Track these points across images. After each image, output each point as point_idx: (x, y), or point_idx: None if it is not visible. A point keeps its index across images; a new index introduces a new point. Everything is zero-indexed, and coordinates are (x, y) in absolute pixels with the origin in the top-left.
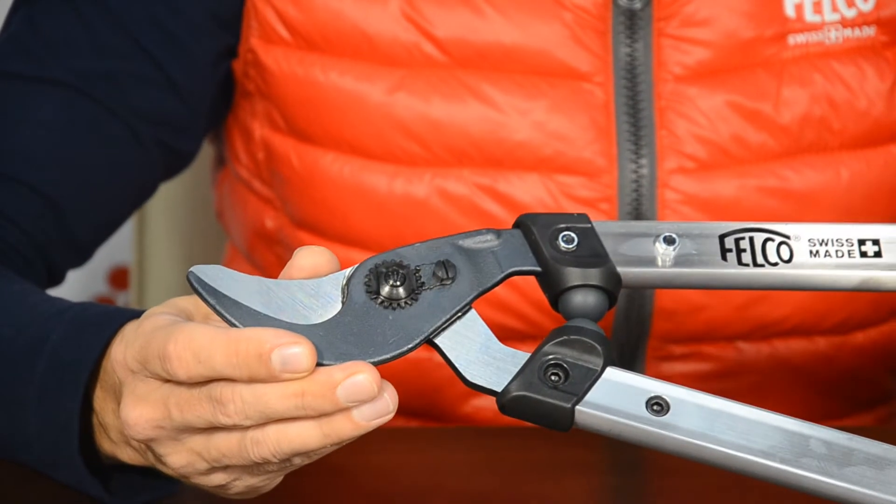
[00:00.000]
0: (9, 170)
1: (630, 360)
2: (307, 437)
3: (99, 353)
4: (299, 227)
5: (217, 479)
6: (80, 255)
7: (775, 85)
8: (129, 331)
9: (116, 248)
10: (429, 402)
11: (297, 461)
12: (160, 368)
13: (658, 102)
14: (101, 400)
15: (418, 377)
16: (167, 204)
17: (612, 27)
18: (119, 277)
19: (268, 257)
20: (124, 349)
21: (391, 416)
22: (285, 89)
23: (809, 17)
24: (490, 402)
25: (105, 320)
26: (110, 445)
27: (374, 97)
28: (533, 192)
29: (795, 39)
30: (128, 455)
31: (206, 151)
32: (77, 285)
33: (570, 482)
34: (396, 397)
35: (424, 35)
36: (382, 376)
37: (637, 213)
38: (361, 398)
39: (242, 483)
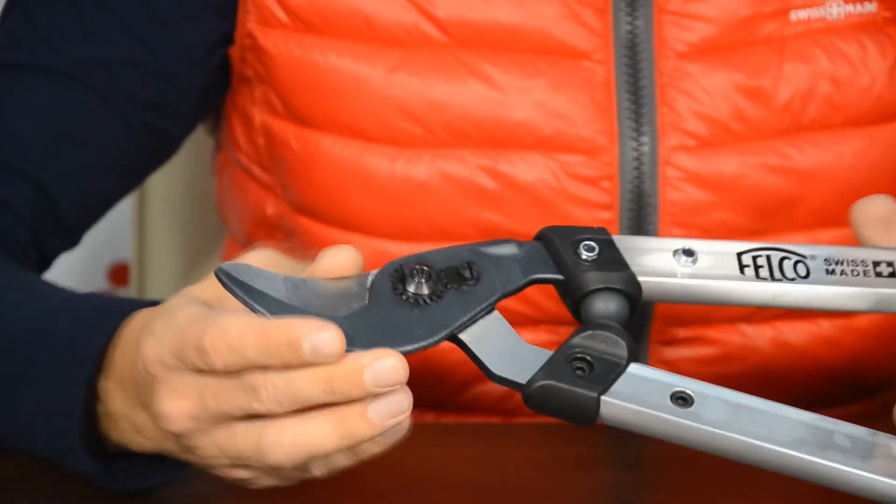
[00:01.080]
0: (13, 160)
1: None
2: (323, 438)
3: (104, 344)
4: (300, 212)
5: (240, 474)
6: (69, 240)
7: (777, 61)
8: (159, 327)
9: (117, 245)
10: (429, 390)
11: (316, 470)
12: (198, 360)
13: (659, 80)
14: (105, 390)
15: (418, 366)
16: (167, 201)
17: (612, 4)
18: (119, 274)
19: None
20: (157, 345)
21: (406, 415)
22: (284, 72)
23: None
24: (490, 390)
25: (110, 312)
26: (118, 434)
27: (373, 78)
28: (534, 172)
29: (797, 15)
30: (137, 443)
31: (206, 147)
32: (77, 282)
33: (572, 478)
34: (412, 398)
35: (424, 15)
36: None
37: (639, 191)
38: (388, 383)
39: (264, 482)
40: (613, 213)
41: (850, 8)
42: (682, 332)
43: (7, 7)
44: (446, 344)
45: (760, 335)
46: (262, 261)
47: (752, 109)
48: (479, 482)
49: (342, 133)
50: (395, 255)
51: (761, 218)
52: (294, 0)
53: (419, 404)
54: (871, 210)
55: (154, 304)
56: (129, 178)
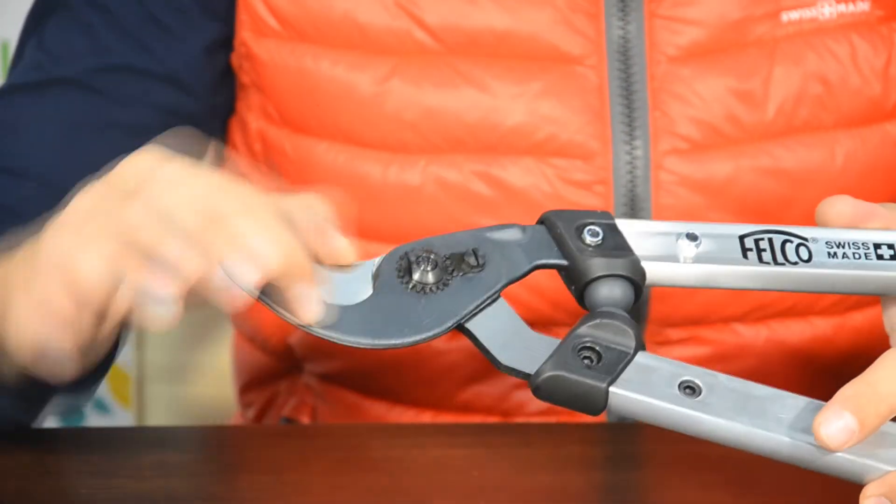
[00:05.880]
0: (16, 164)
1: None
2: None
3: None
4: None
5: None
6: None
7: (768, 64)
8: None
9: None
10: (427, 390)
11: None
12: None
13: (651, 84)
14: None
15: (416, 365)
16: None
17: (604, 9)
18: None
19: None
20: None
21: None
22: (278, 80)
23: None
24: (487, 390)
25: None
26: None
27: (366, 86)
28: (528, 177)
29: (789, 16)
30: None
31: None
32: None
33: (572, 478)
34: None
35: (415, 22)
36: (383, 361)
37: (632, 196)
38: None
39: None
40: None
41: (842, 7)
42: (676, 334)
43: (22, 38)
44: (443, 345)
45: (755, 334)
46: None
47: (744, 112)
48: (479, 482)
49: (336, 140)
50: None
51: (754, 221)
52: (286, 8)
53: (417, 403)
54: (839, 210)
55: None
56: None
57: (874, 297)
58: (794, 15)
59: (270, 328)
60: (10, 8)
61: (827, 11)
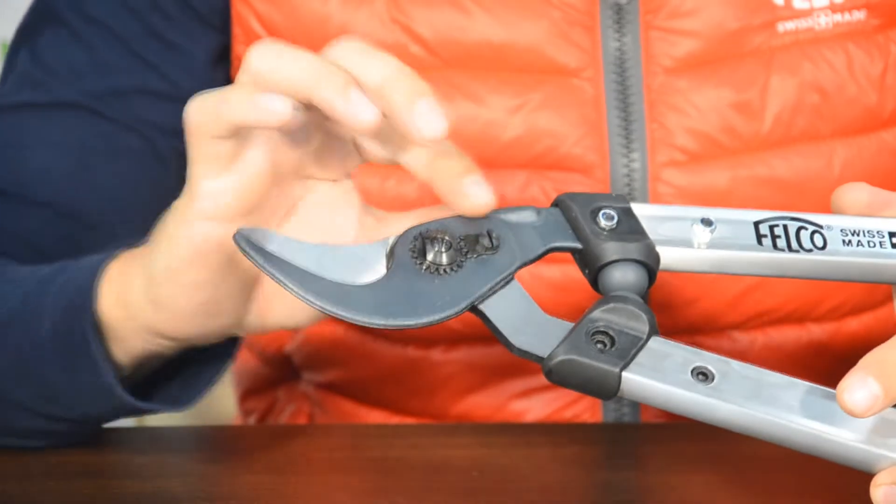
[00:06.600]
0: (29, 192)
1: None
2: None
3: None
4: None
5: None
6: None
7: (765, 74)
8: None
9: None
10: (424, 400)
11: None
12: None
13: (648, 95)
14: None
15: (414, 376)
16: None
17: (600, 22)
18: None
19: None
20: None
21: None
22: None
23: (798, 3)
24: (485, 401)
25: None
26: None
27: None
28: (525, 190)
29: (785, 27)
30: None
31: None
32: None
33: (572, 478)
34: None
35: (411, 36)
36: (380, 371)
37: None
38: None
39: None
40: None
41: (837, 17)
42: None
43: (12, 50)
44: (441, 356)
45: (751, 342)
46: None
47: (741, 123)
48: (479, 482)
49: None
50: None
51: None
52: (280, 23)
53: (414, 413)
54: (855, 198)
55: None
56: (166, 205)
57: (870, 303)
58: (790, 25)
59: (267, 337)
60: (10, 8)
61: (823, 21)
